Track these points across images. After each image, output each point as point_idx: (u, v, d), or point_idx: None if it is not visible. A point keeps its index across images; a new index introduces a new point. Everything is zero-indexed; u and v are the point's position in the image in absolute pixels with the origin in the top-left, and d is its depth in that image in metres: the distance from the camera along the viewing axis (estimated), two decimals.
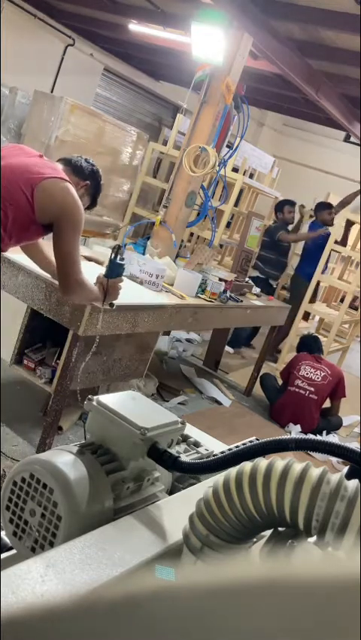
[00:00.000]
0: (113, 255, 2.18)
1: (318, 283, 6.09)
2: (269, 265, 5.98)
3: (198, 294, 3.63)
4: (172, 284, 3.52)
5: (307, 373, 4.44)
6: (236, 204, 6.60)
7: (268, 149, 9.15)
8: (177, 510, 1.01)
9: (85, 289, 2.16)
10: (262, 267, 5.97)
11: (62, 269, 2.10)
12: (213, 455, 1.18)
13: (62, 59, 7.33)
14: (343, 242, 6.57)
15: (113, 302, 2.31)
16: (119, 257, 2.18)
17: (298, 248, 7.19)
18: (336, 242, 6.04)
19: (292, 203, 6.12)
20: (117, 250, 2.18)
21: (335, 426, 4.60)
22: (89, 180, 2.34)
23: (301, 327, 6.43)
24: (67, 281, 2.11)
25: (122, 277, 2.26)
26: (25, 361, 2.79)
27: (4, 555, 0.99)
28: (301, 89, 5.07)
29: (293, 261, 7.26)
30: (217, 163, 3.96)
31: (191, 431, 1.31)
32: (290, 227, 6.36)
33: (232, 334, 5.78)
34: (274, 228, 6.04)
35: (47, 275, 2.53)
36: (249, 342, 6.21)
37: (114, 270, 2.22)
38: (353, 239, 7.17)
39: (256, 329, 6.13)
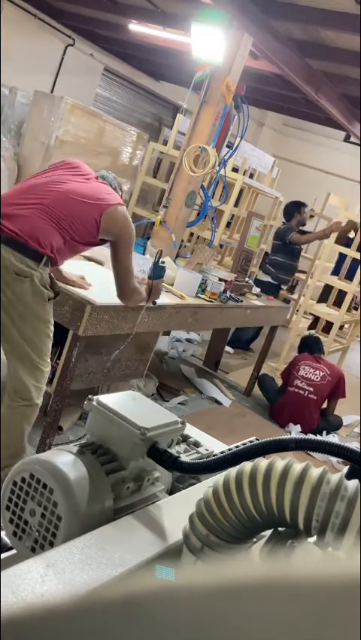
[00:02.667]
0: (156, 259, 2.61)
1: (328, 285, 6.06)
2: (282, 270, 5.79)
3: (198, 294, 3.63)
4: (172, 284, 3.52)
5: (306, 374, 4.44)
6: (236, 204, 6.60)
7: (268, 149, 9.15)
8: (177, 510, 1.01)
9: (138, 294, 2.51)
10: (274, 273, 5.77)
11: (121, 279, 2.43)
12: (213, 455, 1.18)
13: (62, 59, 7.33)
14: (346, 243, 6.54)
15: (156, 300, 2.71)
16: (159, 262, 2.60)
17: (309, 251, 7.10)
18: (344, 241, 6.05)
19: (305, 204, 5.93)
20: (160, 254, 2.63)
21: (334, 426, 4.60)
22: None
23: (302, 327, 6.43)
24: (126, 289, 2.45)
25: (163, 281, 2.68)
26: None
27: (4, 555, 0.99)
28: (301, 89, 5.07)
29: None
30: (217, 163, 3.96)
31: (191, 431, 1.31)
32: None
33: (232, 334, 5.77)
34: (284, 230, 5.80)
35: None
36: (248, 345, 6.16)
37: (157, 272, 2.61)
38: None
39: (257, 333, 6.07)
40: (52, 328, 2.28)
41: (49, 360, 2.31)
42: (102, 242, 2.38)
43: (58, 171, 2.37)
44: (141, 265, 3.33)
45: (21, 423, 2.29)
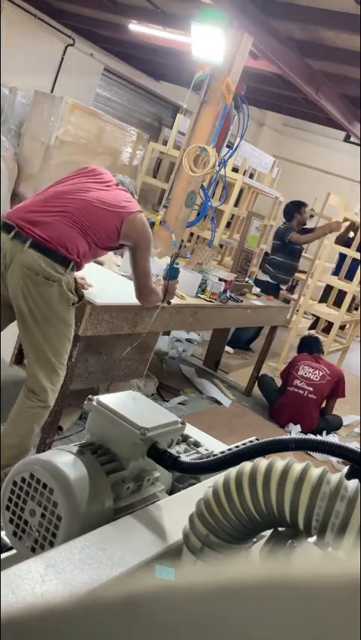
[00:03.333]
0: (171, 261, 2.81)
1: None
2: (281, 270, 5.77)
3: (198, 294, 3.63)
4: None
5: (305, 373, 4.44)
6: (236, 204, 6.60)
7: (268, 149, 9.15)
8: (177, 510, 1.01)
9: (156, 295, 2.67)
10: (273, 272, 5.75)
11: (140, 282, 2.57)
12: (213, 455, 1.18)
13: (62, 59, 7.33)
14: (346, 243, 6.53)
15: (170, 300, 2.92)
16: (174, 262, 2.81)
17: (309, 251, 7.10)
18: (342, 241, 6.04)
19: (305, 204, 5.90)
20: (175, 257, 2.85)
21: (334, 426, 4.60)
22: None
23: (302, 327, 6.43)
24: (144, 291, 2.60)
25: (177, 281, 2.87)
26: (25, 361, 2.78)
27: (4, 555, 0.99)
28: (301, 89, 5.07)
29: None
30: (217, 163, 3.96)
31: (191, 431, 1.31)
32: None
33: (232, 334, 5.76)
34: (284, 230, 5.77)
35: None
36: (248, 345, 6.16)
37: (172, 273, 2.79)
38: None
39: (257, 333, 6.06)
40: (72, 332, 2.34)
41: (65, 364, 2.36)
42: (121, 246, 2.49)
43: (81, 178, 2.44)
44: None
45: (31, 424, 2.34)
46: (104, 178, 2.49)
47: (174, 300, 3.27)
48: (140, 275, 2.55)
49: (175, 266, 2.80)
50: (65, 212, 2.27)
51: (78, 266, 2.31)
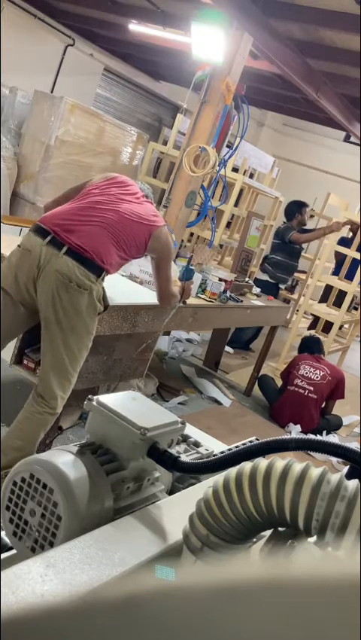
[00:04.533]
0: (187, 263, 3.13)
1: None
2: (280, 269, 5.77)
3: (198, 294, 3.63)
4: None
5: (306, 373, 4.44)
6: (236, 204, 6.60)
7: (268, 149, 9.15)
8: (177, 510, 1.01)
9: (175, 297, 2.83)
10: (272, 271, 5.75)
11: (162, 287, 2.72)
12: (213, 455, 1.18)
13: (62, 59, 7.33)
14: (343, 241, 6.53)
15: (186, 300, 3.14)
16: (189, 265, 3.14)
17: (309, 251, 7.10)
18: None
19: (307, 204, 5.89)
20: (191, 258, 3.24)
21: (335, 426, 4.60)
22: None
23: (302, 327, 6.43)
24: (166, 296, 2.76)
25: (192, 282, 3.15)
26: (25, 361, 2.78)
27: (4, 555, 0.99)
28: (301, 89, 5.07)
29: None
30: (217, 163, 3.96)
31: (191, 431, 1.31)
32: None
33: (232, 334, 5.76)
34: (284, 229, 5.77)
35: None
36: (248, 345, 6.16)
37: (187, 274, 3.09)
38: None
39: (257, 333, 6.06)
40: (91, 341, 2.36)
41: (78, 372, 2.37)
42: (144, 255, 2.62)
43: (112, 189, 2.49)
44: (141, 265, 3.33)
45: (37, 429, 2.35)
46: (132, 190, 2.56)
47: None
48: (162, 282, 2.70)
49: (190, 267, 3.06)
50: (102, 223, 2.33)
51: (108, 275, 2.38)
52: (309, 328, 6.71)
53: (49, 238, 2.23)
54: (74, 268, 2.22)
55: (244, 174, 6.70)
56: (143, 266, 3.32)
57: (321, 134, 9.93)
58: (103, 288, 2.34)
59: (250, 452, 0.88)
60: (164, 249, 2.57)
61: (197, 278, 3.62)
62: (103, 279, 2.33)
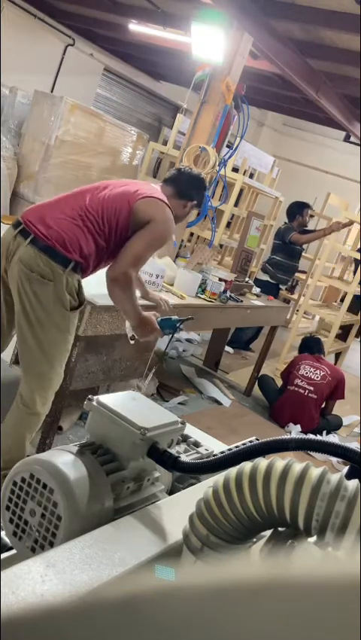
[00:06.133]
0: (179, 319, 2.44)
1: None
2: (281, 270, 5.76)
3: (198, 294, 3.63)
4: (172, 284, 3.52)
5: (306, 372, 4.45)
6: (236, 204, 6.60)
7: (268, 149, 9.15)
8: (177, 510, 1.01)
9: (128, 288, 2.17)
10: (273, 272, 5.75)
11: (121, 256, 2.16)
12: (213, 455, 1.18)
13: (62, 59, 7.33)
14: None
15: (135, 337, 2.37)
16: (180, 324, 2.42)
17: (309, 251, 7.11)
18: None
19: (309, 206, 5.87)
20: (184, 320, 2.46)
21: (335, 426, 4.60)
22: (195, 197, 2.51)
23: (302, 327, 6.43)
24: (119, 268, 2.14)
25: (162, 334, 2.40)
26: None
27: (4, 555, 0.99)
28: (301, 89, 5.07)
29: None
30: (217, 163, 3.96)
31: (191, 431, 1.31)
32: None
33: (232, 334, 5.76)
34: (285, 230, 5.76)
35: None
36: (248, 345, 6.16)
37: (168, 325, 2.39)
38: (352, 239, 7.17)
39: (257, 333, 6.06)
40: (71, 339, 2.22)
41: (62, 370, 2.26)
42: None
43: (102, 183, 2.32)
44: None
45: (21, 429, 2.25)
46: (124, 182, 2.33)
47: (174, 300, 3.27)
48: (126, 250, 2.16)
49: (176, 323, 2.40)
50: (72, 210, 2.16)
51: (84, 268, 2.18)
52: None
53: (19, 228, 2.13)
54: (37, 257, 2.08)
55: (244, 174, 6.70)
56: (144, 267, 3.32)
57: (321, 134, 9.93)
58: (78, 280, 2.16)
59: (250, 452, 0.88)
60: (153, 217, 2.18)
61: (197, 278, 3.62)
62: (77, 271, 2.14)
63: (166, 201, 2.28)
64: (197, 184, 2.51)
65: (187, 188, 2.47)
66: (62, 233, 2.12)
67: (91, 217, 2.16)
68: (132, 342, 2.39)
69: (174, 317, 2.46)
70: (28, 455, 2.17)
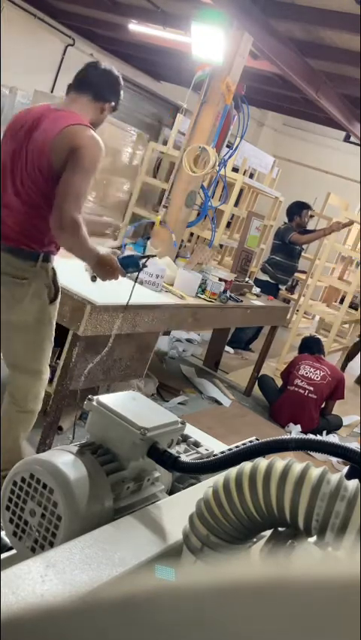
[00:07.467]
0: (142, 255, 2.20)
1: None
2: (280, 270, 5.76)
3: (198, 294, 3.63)
4: (172, 284, 3.52)
5: (306, 373, 4.45)
6: (236, 204, 6.60)
7: (268, 149, 9.15)
8: (177, 510, 1.01)
9: (79, 234, 1.93)
10: (272, 272, 5.75)
11: (58, 201, 1.92)
12: (213, 455, 1.18)
13: (62, 59, 7.33)
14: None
15: (96, 277, 2.13)
16: (144, 261, 2.16)
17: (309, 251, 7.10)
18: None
19: (309, 206, 5.89)
20: (147, 257, 2.24)
21: (335, 426, 4.61)
22: (112, 98, 2.23)
23: (302, 327, 6.43)
24: (61, 215, 1.91)
25: (126, 274, 2.15)
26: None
27: (4, 555, 0.99)
28: (301, 89, 5.07)
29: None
30: (217, 163, 3.96)
31: (191, 431, 1.31)
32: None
33: (232, 334, 5.77)
34: (285, 230, 5.76)
35: None
36: (248, 345, 6.16)
37: (130, 263, 2.12)
38: (352, 238, 7.18)
39: (257, 333, 6.06)
40: (52, 332, 2.18)
41: (48, 365, 2.23)
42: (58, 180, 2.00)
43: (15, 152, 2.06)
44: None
45: (16, 429, 2.23)
46: (31, 123, 2.05)
47: (174, 300, 3.27)
48: (61, 192, 1.91)
49: (141, 262, 2.14)
50: (15, 190, 2.00)
51: (52, 249, 2.08)
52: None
53: None
54: (4, 260, 2.01)
55: (244, 174, 6.70)
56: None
57: (321, 134, 9.93)
58: (53, 269, 2.07)
59: (250, 452, 0.88)
60: (79, 146, 1.95)
61: (197, 278, 3.62)
62: (49, 260, 2.05)
63: (75, 113, 2.06)
64: (111, 81, 2.21)
65: (101, 89, 2.18)
66: (19, 229, 2.02)
67: (32, 195, 2.00)
68: (94, 282, 2.16)
69: (136, 254, 2.26)
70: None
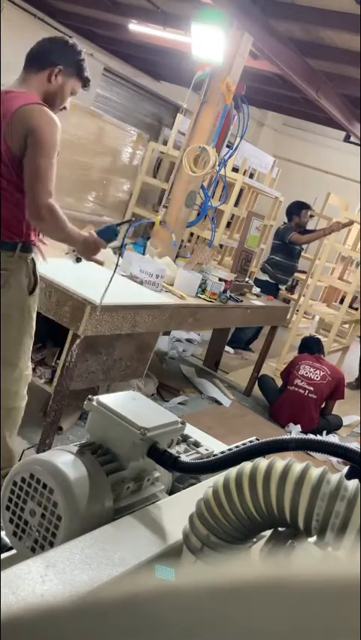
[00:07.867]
0: (118, 223, 2.16)
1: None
2: (280, 270, 5.76)
3: (198, 294, 3.63)
4: (172, 284, 3.52)
5: (306, 373, 4.45)
6: (236, 204, 6.60)
7: (268, 149, 9.15)
8: (177, 510, 1.01)
9: (56, 218, 1.92)
10: (272, 272, 5.75)
11: (28, 193, 1.90)
12: (213, 455, 1.18)
13: None
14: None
15: (81, 258, 2.13)
16: (121, 227, 2.12)
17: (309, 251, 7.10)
18: None
19: (308, 206, 5.88)
20: (128, 222, 2.20)
21: (335, 426, 4.61)
22: (61, 62, 2.04)
23: (302, 327, 6.43)
24: (34, 204, 1.89)
25: (107, 245, 2.12)
26: None
27: (4, 555, 0.99)
28: (301, 89, 5.07)
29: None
30: (217, 163, 3.96)
31: (191, 431, 1.31)
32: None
33: (232, 334, 5.77)
34: (284, 230, 5.76)
35: (48, 276, 2.52)
36: (248, 345, 6.16)
37: (107, 233, 2.10)
38: (352, 238, 7.18)
39: (257, 334, 6.06)
40: (33, 326, 2.12)
41: (28, 362, 2.18)
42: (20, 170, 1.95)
43: None
44: (141, 265, 3.33)
45: (3, 426, 2.16)
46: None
47: (174, 300, 3.28)
48: (28, 180, 1.88)
49: (117, 227, 2.12)
50: None
51: (31, 238, 2.04)
52: None
53: None
54: None
55: (244, 174, 6.70)
56: (143, 266, 3.32)
57: (321, 134, 9.93)
58: (32, 259, 2.04)
59: (250, 452, 0.88)
60: (35, 127, 1.86)
61: (197, 278, 3.62)
62: (28, 249, 2.02)
63: (25, 92, 1.98)
64: (57, 47, 2.06)
65: (46, 56, 2.03)
66: None
67: (2, 184, 1.96)
68: (79, 262, 2.17)
69: (112, 223, 2.22)
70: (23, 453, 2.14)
